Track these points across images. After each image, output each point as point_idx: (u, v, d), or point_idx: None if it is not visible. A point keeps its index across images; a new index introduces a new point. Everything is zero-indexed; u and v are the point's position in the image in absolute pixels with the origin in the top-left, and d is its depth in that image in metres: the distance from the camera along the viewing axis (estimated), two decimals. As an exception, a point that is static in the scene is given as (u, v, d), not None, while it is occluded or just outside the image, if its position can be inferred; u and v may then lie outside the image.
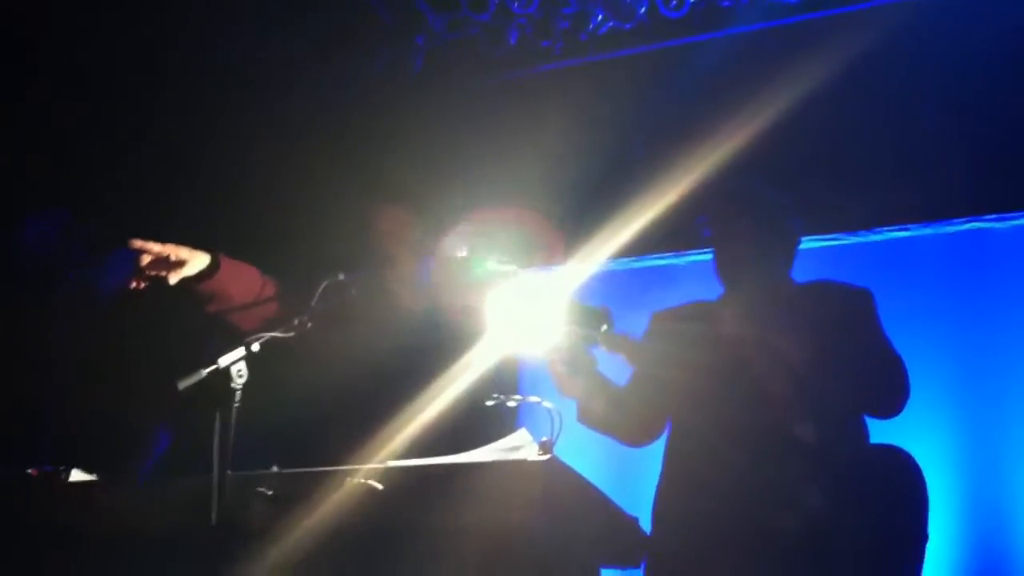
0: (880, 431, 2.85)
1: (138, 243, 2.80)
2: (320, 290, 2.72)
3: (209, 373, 2.29)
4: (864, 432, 2.83)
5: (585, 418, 2.92)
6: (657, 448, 2.96)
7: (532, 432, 2.39)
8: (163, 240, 2.84)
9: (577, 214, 4.21)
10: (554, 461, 2.22)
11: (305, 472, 2.37)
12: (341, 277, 2.79)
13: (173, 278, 2.84)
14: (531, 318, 2.78)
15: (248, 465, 2.35)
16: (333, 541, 2.26)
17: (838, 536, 2.62)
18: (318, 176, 4.29)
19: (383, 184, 3.30)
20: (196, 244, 2.91)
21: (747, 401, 2.75)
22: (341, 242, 3.21)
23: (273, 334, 2.42)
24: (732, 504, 2.67)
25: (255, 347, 2.33)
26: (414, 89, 4.77)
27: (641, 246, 3.76)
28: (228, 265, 2.92)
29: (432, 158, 4.39)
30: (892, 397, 2.75)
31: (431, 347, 2.86)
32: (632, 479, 3.13)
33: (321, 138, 4.57)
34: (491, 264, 2.96)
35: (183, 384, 2.25)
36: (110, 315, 4.15)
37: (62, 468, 2.53)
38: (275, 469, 2.37)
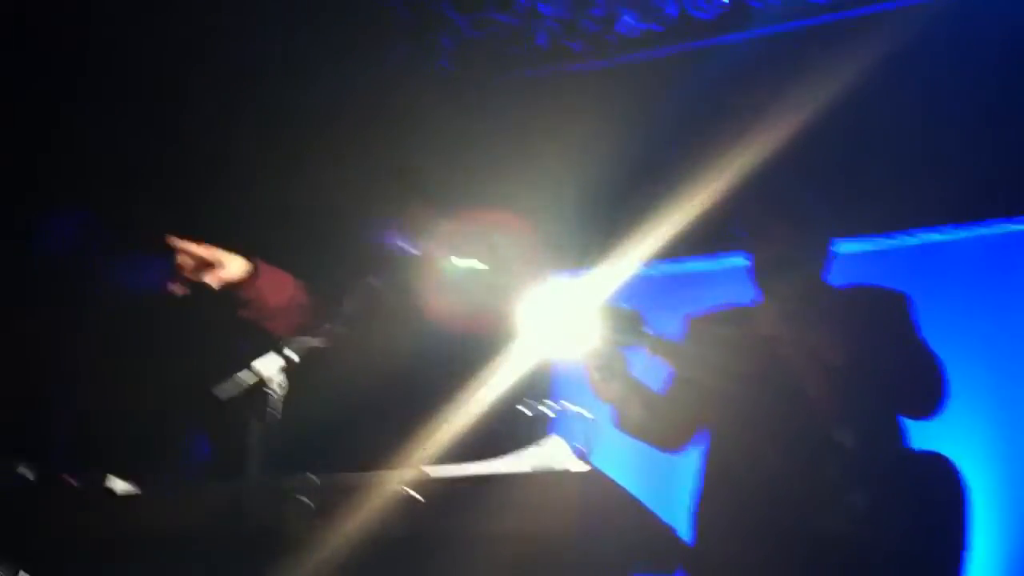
0: (921, 436, 2.83)
1: (176, 242, 2.78)
2: (352, 294, 2.72)
3: (247, 380, 2.29)
4: (904, 437, 2.81)
5: (621, 423, 2.90)
6: (694, 453, 2.95)
7: (566, 438, 2.38)
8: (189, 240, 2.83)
9: (607, 217, 4.20)
10: (593, 471, 2.21)
11: (340, 478, 2.36)
12: (371, 280, 2.78)
13: (211, 280, 2.82)
14: (564, 322, 2.77)
15: (283, 471, 2.35)
16: (368, 548, 2.26)
17: (879, 543, 2.60)
18: (343, 177, 4.28)
19: (410, 183, 3.30)
20: (221, 245, 2.90)
21: (785, 406, 2.74)
22: (367, 243, 3.21)
23: (310, 342, 2.41)
24: (772, 510, 2.65)
25: (293, 356, 2.33)
26: (439, 87, 4.77)
27: (673, 250, 3.73)
28: (262, 270, 2.91)
29: (458, 156, 4.39)
30: (929, 399, 2.73)
31: (463, 350, 2.85)
32: (668, 485, 3.12)
33: (345, 137, 4.57)
34: (468, 266, 2.93)
35: (222, 392, 2.25)
36: (143, 317, 4.16)
37: (97, 474, 2.54)
38: (310, 475, 2.37)
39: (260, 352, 2.39)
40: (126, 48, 4.65)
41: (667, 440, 2.98)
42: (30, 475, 2.46)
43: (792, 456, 2.68)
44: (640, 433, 2.94)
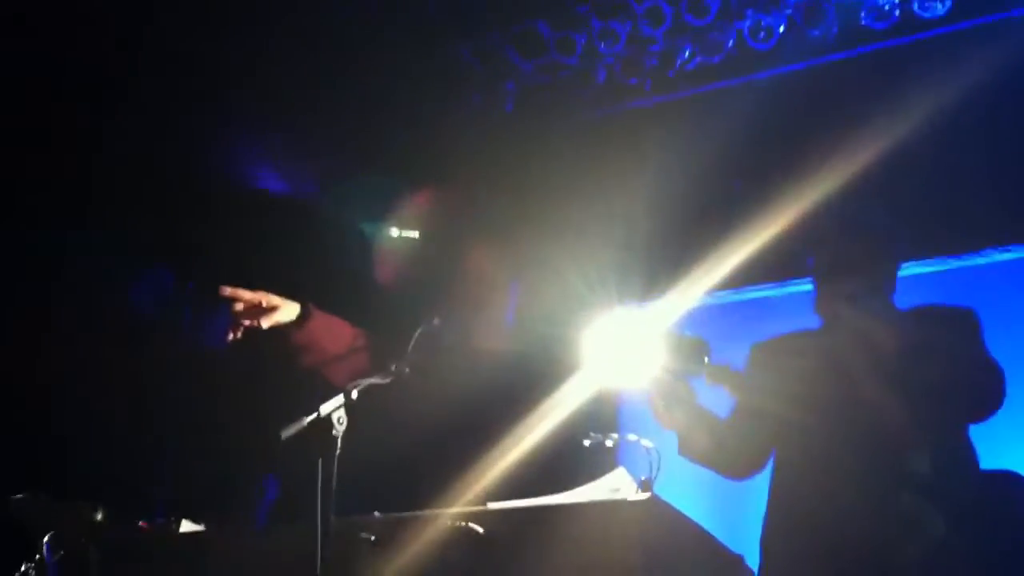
0: (988, 455, 2.76)
1: (229, 291, 2.86)
2: (416, 336, 2.75)
3: (311, 422, 2.33)
4: (976, 458, 2.74)
5: (686, 451, 2.88)
6: (761, 481, 2.91)
7: (631, 469, 2.38)
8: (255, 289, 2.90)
9: (674, 247, 4.19)
10: (654, 500, 2.20)
11: (406, 516, 2.38)
12: (436, 322, 2.81)
13: (266, 323, 2.90)
14: (628, 351, 2.77)
15: (351, 510, 2.38)
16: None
17: (954, 569, 2.53)
18: (408, 220, 4.35)
19: (476, 225, 3.34)
20: (287, 294, 2.97)
21: (856, 434, 2.68)
22: (431, 285, 3.24)
23: (371, 381, 2.44)
24: (843, 539, 2.60)
25: (354, 394, 2.36)
26: (506, 130, 4.82)
27: (739, 278, 3.71)
28: (319, 316, 2.97)
29: (524, 196, 4.43)
30: (991, 401, 2.67)
31: (524, 385, 2.87)
32: (736, 513, 3.08)
33: (415, 182, 4.63)
34: (392, 231, 2.93)
35: (286, 433, 2.29)
36: (212, 367, 4.25)
37: (172, 519, 2.59)
38: (377, 514, 2.39)
39: (328, 397, 2.42)
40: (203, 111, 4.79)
41: (734, 468, 2.94)
42: (105, 518, 2.53)
43: (864, 485, 2.62)
44: (706, 461, 2.91)
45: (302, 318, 2.93)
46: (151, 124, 4.59)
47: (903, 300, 2.90)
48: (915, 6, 4.19)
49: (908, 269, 3.12)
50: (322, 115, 4.81)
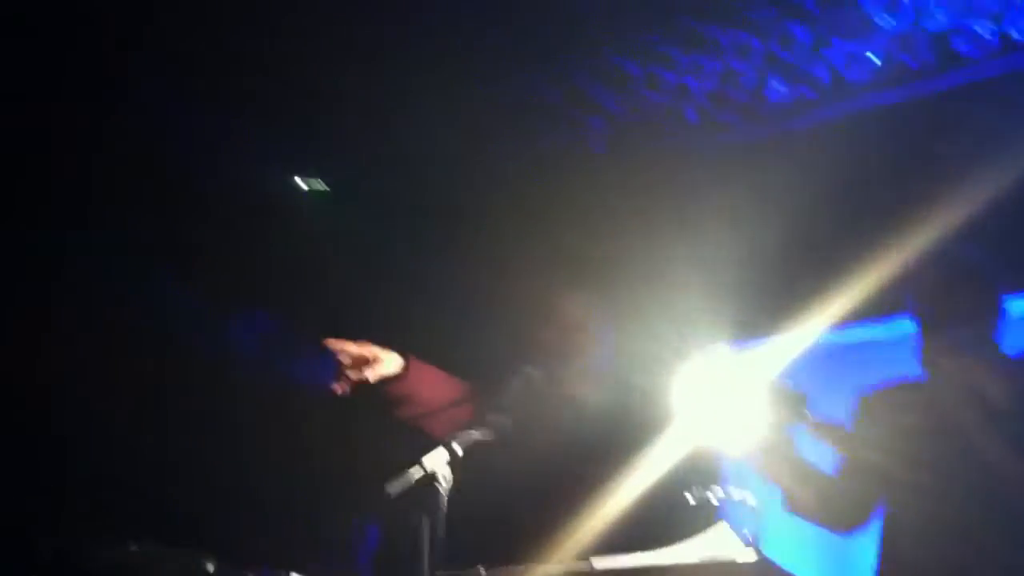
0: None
1: (334, 343, 2.92)
2: (512, 386, 2.76)
3: (416, 476, 2.35)
4: None
5: (792, 506, 2.84)
6: (871, 536, 2.85)
7: (733, 523, 2.35)
8: (353, 339, 2.95)
9: (769, 288, 4.15)
10: (763, 561, 2.18)
11: (509, 570, 2.39)
12: (530, 370, 2.83)
13: (372, 377, 2.95)
14: (728, 406, 2.74)
15: (453, 565, 2.39)
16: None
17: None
18: (499, 266, 4.37)
19: (565, 267, 3.34)
20: (386, 344, 3.01)
21: (972, 493, 2.62)
22: (522, 333, 3.25)
23: (475, 436, 2.47)
24: None
25: (459, 450, 2.38)
26: (595, 169, 4.82)
27: (839, 319, 3.65)
28: (417, 367, 3.01)
29: (616, 238, 4.42)
30: None
31: (623, 436, 2.86)
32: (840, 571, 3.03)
33: (500, 225, 4.66)
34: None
35: (393, 490, 2.31)
36: (312, 414, 4.31)
37: (281, 572, 2.64)
38: (481, 570, 2.40)
39: (429, 447, 2.45)
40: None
41: (840, 522, 2.89)
42: (217, 571, 2.57)
43: (982, 546, 2.56)
44: (811, 516, 2.86)
45: (401, 371, 2.97)
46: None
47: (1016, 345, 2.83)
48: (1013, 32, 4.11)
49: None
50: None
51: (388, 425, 3.09)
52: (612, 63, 4.51)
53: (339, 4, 4.05)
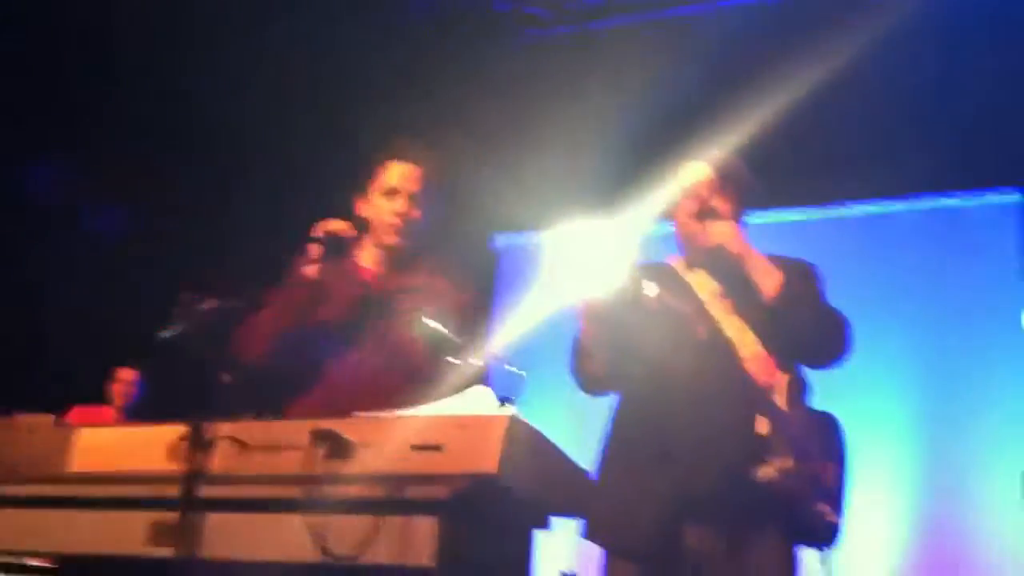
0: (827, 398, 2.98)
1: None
2: None
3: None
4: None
5: (579, 368, 3.02)
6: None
7: (496, 386, 2.47)
8: None
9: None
10: (515, 418, 2.31)
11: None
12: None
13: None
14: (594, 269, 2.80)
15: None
16: None
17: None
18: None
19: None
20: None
21: (713, 366, 2.89)
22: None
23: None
24: (680, 446, 2.82)
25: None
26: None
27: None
28: None
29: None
30: (833, 351, 2.89)
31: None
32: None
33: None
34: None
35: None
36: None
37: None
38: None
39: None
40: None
41: (596, 391, 3.07)
42: None
43: (711, 404, 2.83)
44: (588, 382, 3.04)
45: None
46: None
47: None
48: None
49: (774, 217, 3.26)
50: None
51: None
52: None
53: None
